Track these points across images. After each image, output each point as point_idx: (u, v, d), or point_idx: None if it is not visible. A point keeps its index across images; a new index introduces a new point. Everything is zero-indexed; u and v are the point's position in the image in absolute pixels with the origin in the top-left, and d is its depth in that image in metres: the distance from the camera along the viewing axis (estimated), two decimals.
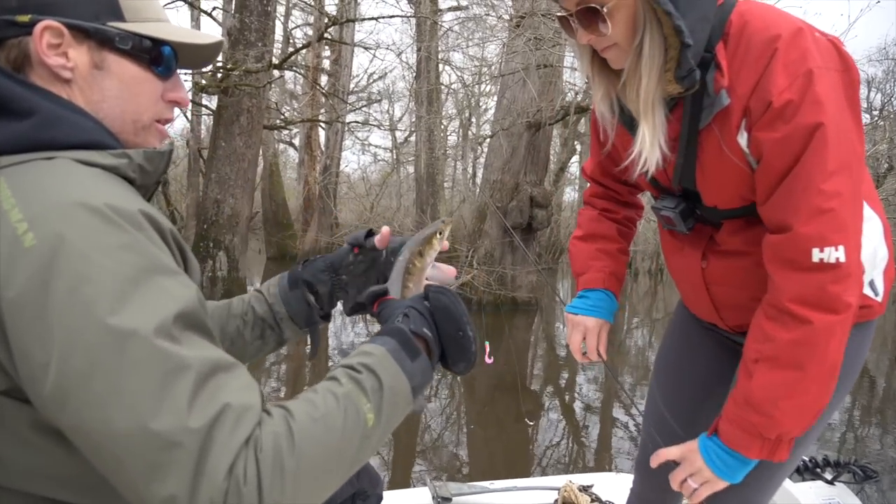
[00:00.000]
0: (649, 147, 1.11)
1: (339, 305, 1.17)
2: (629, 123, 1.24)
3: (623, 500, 1.83)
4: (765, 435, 1.09)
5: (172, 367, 0.64)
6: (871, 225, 1.12)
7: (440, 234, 1.06)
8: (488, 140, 11.75)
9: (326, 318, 1.16)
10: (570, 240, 1.53)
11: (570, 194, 25.80)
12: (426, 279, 1.05)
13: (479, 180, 15.54)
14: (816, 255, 1.00)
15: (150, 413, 0.62)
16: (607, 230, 1.48)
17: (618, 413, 5.58)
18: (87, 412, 0.62)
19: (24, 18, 0.76)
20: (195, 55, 0.92)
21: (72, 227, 0.65)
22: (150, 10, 0.85)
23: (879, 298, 1.18)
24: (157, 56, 0.85)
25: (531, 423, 4.95)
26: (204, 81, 8.42)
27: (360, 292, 1.06)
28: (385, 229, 1.14)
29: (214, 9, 9.61)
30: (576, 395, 6.36)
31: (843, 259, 0.99)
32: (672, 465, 1.24)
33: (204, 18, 11.68)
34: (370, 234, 1.14)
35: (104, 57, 0.81)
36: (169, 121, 0.90)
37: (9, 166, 0.71)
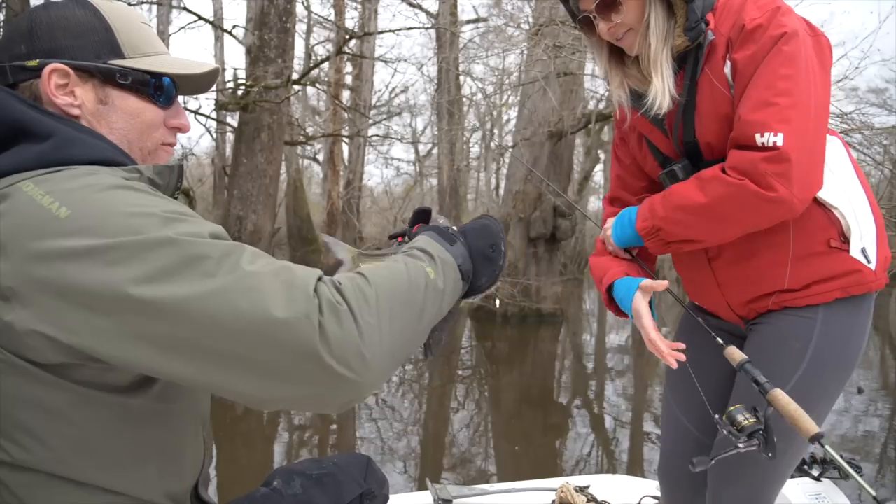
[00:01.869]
0: (661, 95, 1.30)
1: None
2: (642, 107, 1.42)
3: (619, 500, 1.99)
4: (652, 219, 1.31)
5: (250, 251, 0.73)
6: (857, 194, 1.29)
7: None
8: (510, 150, 11.66)
9: None
10: (589, 260, 1.65)
11: (595, 203, 25.59)
12: None
13: (502, 191, 15.46)
14: (758, 139, 1.16)
15: (237, 287, 0.68)
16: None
17: (649, 426, 5.41)
18: (203, 315, 0.67)
19: (33, 63, 0.84)
20: (194, 83, 0.99)
21: (98, 195, 0.73)
22: (147, 45, 0.92)
23: (872, 266, 1.28)
24: (158, 87, 0.92)
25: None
26: (224, 99, 8.48)
27: None
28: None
29: (234, 27, 9.71)
30: (604, 406, 6.22)
31: (780, 143, 1.14)
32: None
33: (226, 37, 11.84)
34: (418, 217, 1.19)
35: (108, 93, 0.88)
36: (173, 144, 0.98)
37: (35, 176, 0.77)
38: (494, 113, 17.27)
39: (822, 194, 1.25)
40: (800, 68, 1.17)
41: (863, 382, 6.55)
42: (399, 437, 4.85)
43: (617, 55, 1.39)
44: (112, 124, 0.88)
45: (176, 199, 0.91)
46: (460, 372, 7.20)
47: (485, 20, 13.69)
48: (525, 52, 9.14)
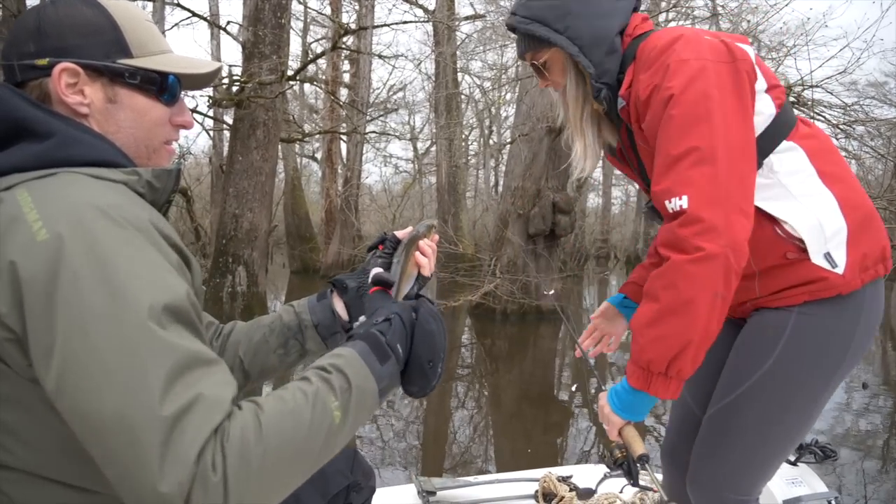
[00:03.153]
0: (581, 158, 1.44)
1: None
2: (613, 152, 1.54)
3: (601, 489, 2.13)
4: (638, 362, 1.24)
5: (156, 350, 0.69)
6: (818, 200, 1.27)
7: (427, 235, 1.17)
8: (509, 147, 11.60)
9: (347, 331, 1.19)
10: None
11: (594, 200, 25.52)
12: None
13: (500, 189, 15.39)
14: (668, 206, 1.19)
15: (131, 394, 0.67)
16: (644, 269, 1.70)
17: (649, 420, 5.35)
18: (79, 391, 0.68)
19: (43, 62, 0.85)
20: (197, 80, 1.00)
21: (79, 224, 0.73)
22: (154, 44, 0.93)
23: (839, 270, 1.26)
24: (163, 85, 0.93)
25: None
26: (219, 95, 8.41)
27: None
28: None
29: (229, 23, 9.64)
30: None
31: (685, 206, 1.16)
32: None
33: (222, 33, 11.76)
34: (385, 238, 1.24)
35: (116, 91, 0.89)
36: (176, 141, 1.00)
37: (32, 180, 0.79)
38: (493, 109, 17.21)
39: (770, 210, 1.26)
40: (694, 122, 1.18)
41: (867, 377, 6.49)
42: (399, 436, 4.79)
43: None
44: (120, 122, 0.90)
45: (171, 202, 0.94)
46: (460, 370, 7.15)
47: (482, 17, 13.63)
48: None
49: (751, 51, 1.29)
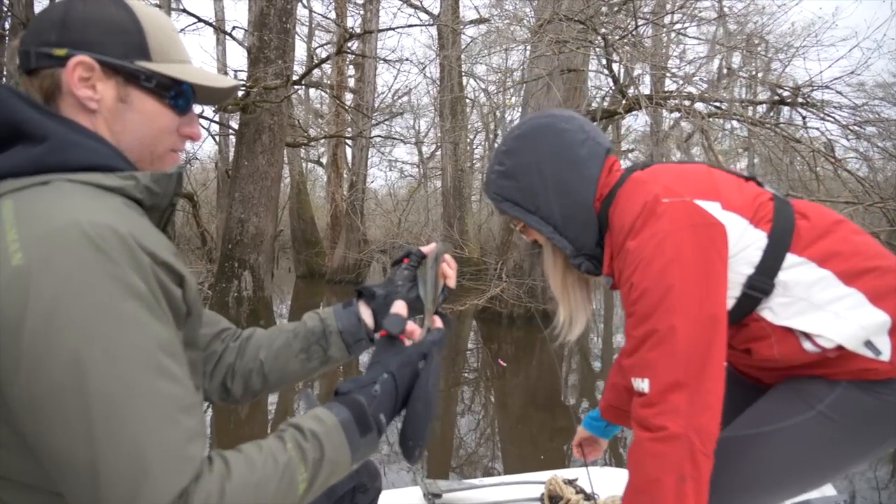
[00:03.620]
0: (566, 325, 1.44)
1: None
2: None
3: (605, 492, 2.10)
4: None
5: (128, 402, 0.68)
6: (848, 303, 1.18)
7: (448, 252, 1.25)
8: None
9: (372, 340, 1.19)
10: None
11: None
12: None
13: None
14: (635, 384, 1.20)
15: (96, 447, 0.66)
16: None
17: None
18: (40, 431, 0.67)
19: (61, 52, 0.84)
20: (212, 95, 0.99)
21: (58, 251, 0.69)
22: (175, 53, 0.93)
23: (885, 357, 1.18)
24: (178, 94, 0.92)
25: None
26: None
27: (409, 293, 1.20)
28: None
29: (234, 28, 9.66)
30: None
31: (646, 389, 1.17)
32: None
33: (228, 39, 11.78)
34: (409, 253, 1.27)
35: (129, 92, 0.88)
36: (182, 151, 0.99)
37: (22, 189, 0.76)
38: (498, 113, 17.19)
39: (799, 326, 1.20)
40: (653, 305, 1.17)
41: None
42: None
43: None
44: (127, 124, 0.89)
45: (174, 206, 0.93)
46: (466, 374, 7.10)
47: (486, 21, 13.61)
48: (528, 48, 9.04)
49: (719, 203, 1.22)
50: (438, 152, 17.93)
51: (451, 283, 1.22)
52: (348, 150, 17.70)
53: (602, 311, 12.53)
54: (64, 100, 0.86)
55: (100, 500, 0.66)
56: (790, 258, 1.22)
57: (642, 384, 1.17)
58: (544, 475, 2.25)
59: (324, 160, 19.86)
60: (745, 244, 1.21)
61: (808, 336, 1.20)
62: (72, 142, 0.82)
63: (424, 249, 1.25)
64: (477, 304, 9.70)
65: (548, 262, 1.41)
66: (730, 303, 1.22)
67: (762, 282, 1.21)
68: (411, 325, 1.07)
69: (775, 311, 1.22)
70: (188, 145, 0.92)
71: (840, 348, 1.19)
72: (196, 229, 14.08)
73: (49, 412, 0.67)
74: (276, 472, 0.77)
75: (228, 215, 8.55)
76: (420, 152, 20.69)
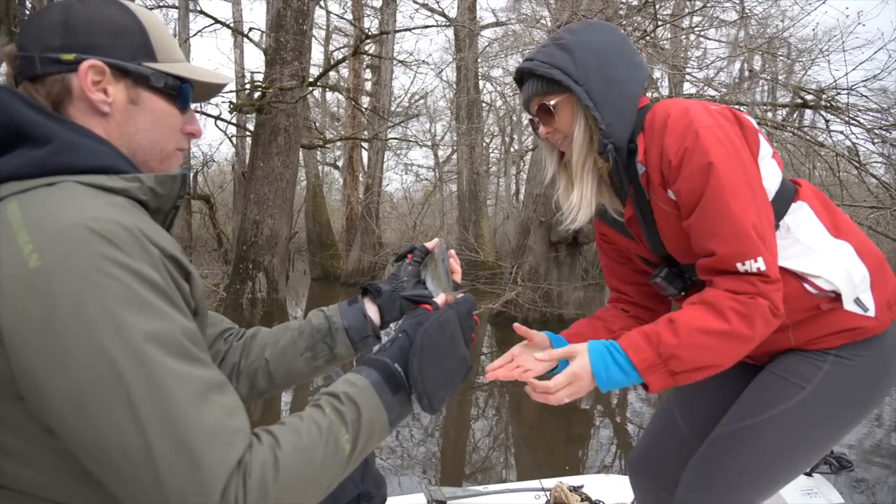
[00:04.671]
0: (576, 209, 1.41)
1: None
2: (611, 221, 1.55)
3: (612, 499, 2.10)
4: (660, 350, 1.23)
5: (168, 384, 0.68)
6: (839, 251, 1.33)
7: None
8: (530, 154, 11.51)
9: (378, 337, 1.20)
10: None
11: None
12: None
13: (522, 197, 15.28)
14: (741, 267, 1.22)
15: (147, 430, 0.67)
16: (608, 314, 1.63)
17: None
18: (87, 427, 0.67)
19: (69, 57, 0.83)
20: (206, 91, 1.00)
21: (72, 249, 0.70)
22: (175, 52, 0.94)
23: (871, 313, 1.33)
24: (181, 92, 0.93)
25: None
26: (239, 101, 8.45)
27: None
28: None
29: (251, 30, 9.70)
30: (627, 413, 6.03)
31: (763, 268, 1.21)
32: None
33: (245, 41, 11.84)
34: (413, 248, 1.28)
35: (139, 93, 0.89)
36: (186, 149, 1.00)
37: (26, 191, 0.76)
38: (514, 116, 17.12)
39: (799, 267, 1.32)
40: (737, 181, 1.23)
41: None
42: (418, 444, 4.72)
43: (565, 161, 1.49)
44: (139, 125, 0.89)
45: (178, 207, 0.92)
46: (480, 378, 7.05)
47: (503, 24, 13.58)
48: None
49: (752, 119, 1.36)
50: (454, 156, 17.92)
51: (458, 277, 1.23)
52: (364, 153, 17.74)
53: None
54: (74, 105, 0.85)
55: (161, 483, 0.67)
56: (794, 204, 1.35)
57: (757, 264, 1.21)
58: (550, 482, 2.26)
59: (340, 163, 19.93)
60: (768, 174, 1.33)
61: (807, 279, 1.31)
62: (75, 144, 0.81)
63: (428, 245, 1.26)
64: (492, 308, 9.63)
65: (575, 140, 1.39)
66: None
67: (776, 213, 1.31)
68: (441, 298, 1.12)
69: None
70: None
71: (835, 299, 1.32)
72: (212, 231, 14.18)
73: (94, 405, 0.67)
74: (320, 437, 0.79)
75: (243, 217, 8.57)
76: (436, 155, 20.71)
